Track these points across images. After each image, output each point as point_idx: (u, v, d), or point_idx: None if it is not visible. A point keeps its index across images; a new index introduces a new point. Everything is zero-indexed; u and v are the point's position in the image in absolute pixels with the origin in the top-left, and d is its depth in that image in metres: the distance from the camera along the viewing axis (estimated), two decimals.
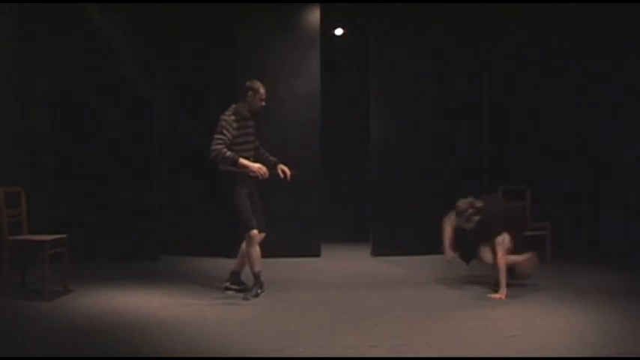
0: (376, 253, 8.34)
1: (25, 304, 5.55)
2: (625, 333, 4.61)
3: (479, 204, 5.96)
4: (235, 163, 5.73)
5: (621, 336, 4.55)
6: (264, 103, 6.03)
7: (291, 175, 6.20)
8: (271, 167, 6.14)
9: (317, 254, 8.25)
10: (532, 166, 8.64)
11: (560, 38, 8.49)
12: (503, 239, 5.88)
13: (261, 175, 5.76)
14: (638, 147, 7.77)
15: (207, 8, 8.31)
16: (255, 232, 5.82)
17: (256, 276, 5.93)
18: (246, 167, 5.76)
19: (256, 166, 5.79)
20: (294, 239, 8.20)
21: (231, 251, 6.19)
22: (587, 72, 8.24)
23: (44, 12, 7.52)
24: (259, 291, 5.92)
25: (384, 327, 4.83)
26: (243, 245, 5.99)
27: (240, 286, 6.05)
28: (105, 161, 7.94)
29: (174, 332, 4.69)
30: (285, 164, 6.21)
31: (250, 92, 5.95)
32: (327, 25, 8.85)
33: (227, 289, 6.08)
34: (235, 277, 6.09)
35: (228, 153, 5.73)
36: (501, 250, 5.83)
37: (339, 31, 9.47)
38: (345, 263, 7.81)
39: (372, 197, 8.71)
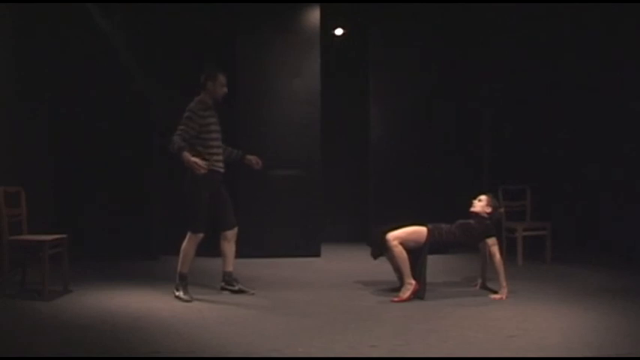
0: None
1: (25, 304, 5.54)
2: (625, 333, 4.61)
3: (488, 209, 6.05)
4: (179, 153, 5.60)
5: (621, 336, 4.54)
6: (225, 89, 5.92)
7: (262, 164, 6.23)
8: (239, 160, 6.16)
9: (317, 254, 8.25)
10: (532, 166, 8.64)
11: (560, 38, 8.49)
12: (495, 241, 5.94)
13: (196, 169, 5.56)
14: (638, 147, 7.76)
15: (208, 8, 8.31)
16: (200, 235, 5.80)
17: (182, 276, 5.82)
18: (185, 160, 5.58)
19: (192, 160, 5.58)
20: (295, 239, 8.21)
21: None
22: (587, 72, 8.23)
23: (44, 12, 7.51)
24: (182, 295, 5.74)
25: (384, 327, 4.83)
26: (222, 244, 6.03)
27: (236, 285, 6.05)
28: (105, 161, 7.95)
29: (174, 332, 4.69)
30: (255, 155, 6.23)
31: (209, 82, 5.84)
32: (327, 25, 8.85)
33: (223, 289, 6.08)
34: (229, 276, 6.09)
35: (179, 143, 5.60)
36: (497, 251, 5.86)
37: (339, 31, 9.47)
38: (345, 263, 7.80)
39: (372, 197, 8.71)
